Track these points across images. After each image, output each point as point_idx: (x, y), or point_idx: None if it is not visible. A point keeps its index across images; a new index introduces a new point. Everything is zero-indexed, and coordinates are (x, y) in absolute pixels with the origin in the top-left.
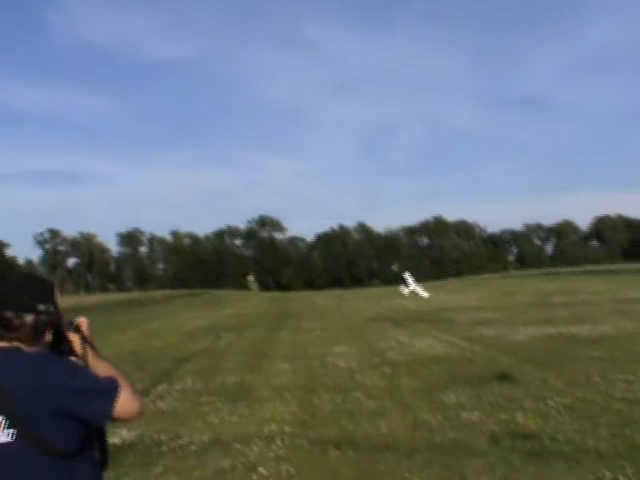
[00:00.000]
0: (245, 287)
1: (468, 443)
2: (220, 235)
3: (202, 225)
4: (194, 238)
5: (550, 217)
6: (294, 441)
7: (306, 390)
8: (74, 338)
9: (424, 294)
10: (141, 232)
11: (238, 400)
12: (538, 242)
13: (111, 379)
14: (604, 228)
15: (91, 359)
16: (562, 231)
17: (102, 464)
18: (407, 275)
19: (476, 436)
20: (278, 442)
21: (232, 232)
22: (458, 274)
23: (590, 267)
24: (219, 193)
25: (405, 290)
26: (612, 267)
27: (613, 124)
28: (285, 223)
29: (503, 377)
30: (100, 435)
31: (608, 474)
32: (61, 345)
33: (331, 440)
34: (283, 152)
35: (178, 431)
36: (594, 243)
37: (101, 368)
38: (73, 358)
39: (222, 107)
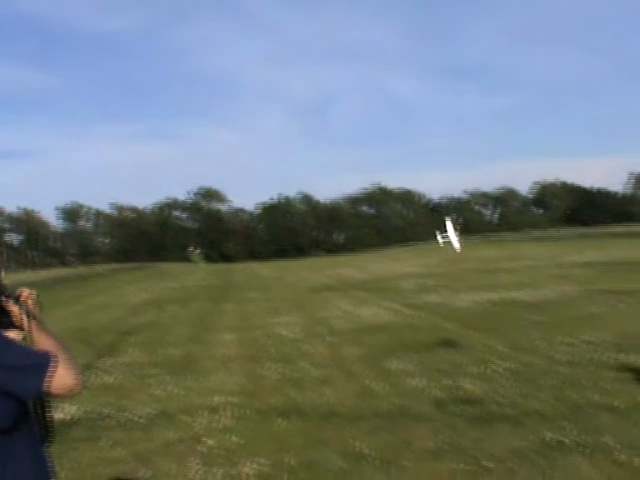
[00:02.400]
0: (189, 259)
1: (413, 409)
2: (162, 208)
3: (144, 198)
4: (137, 211)
5: (492, 184)
6: (240, 411)
7: (251, 360)
8: (15, 310)
9: (457, 246)
10: (82, 206)
11: (184, 372)
12: (480, 209)
13: (46, 353)
14: (546, 194)
15: (35, 333)
16: (504, 198)
17: (43, 439)
18: (449, 224)
19: (421, 402)
20: (224, 413)
21: (174, 204)
22: (401, 242)
23: (532, 233)
24: (160, 166)
25: (440, 239)
26: (554, 233)
27: (553, 91)
28: (228, 194)
29: (447, 343)
30: (42, 410)
31: (551, 435)
32: (0, 317)
33: (277, 409)
34: (224, 123)
35: (124, 404)
36: (536, 209)
37: (45, 342)
38: (15, 331)
39: (161, 80)
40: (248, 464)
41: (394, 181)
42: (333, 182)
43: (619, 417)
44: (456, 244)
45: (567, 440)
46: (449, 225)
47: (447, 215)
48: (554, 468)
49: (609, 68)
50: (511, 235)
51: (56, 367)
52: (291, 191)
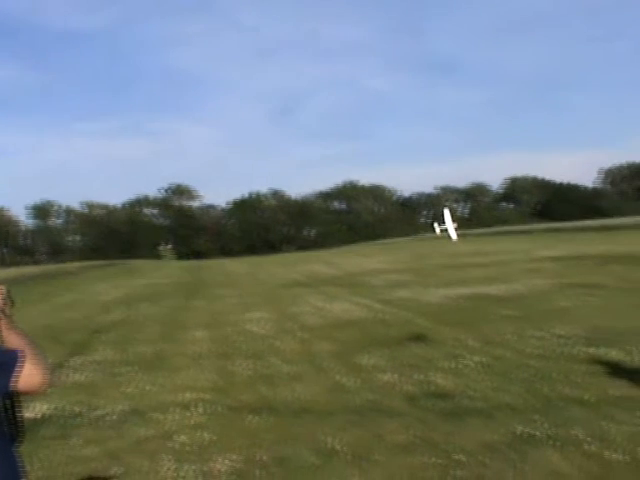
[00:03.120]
0: (160, 256)
1: (384, 404)
2: (133, 205)
3: (115, 195)
4: (107, 209)
5: (463, 179)
6: (212, 408)
7: (223, 357)
8: None
9: (454, 237)
10: (52, 204)
11: (155, 369)
12: (452, 204)
13: (14, 352)
14: (516, 189)
15: (4, 330)
16: (474, 193)
17: (14, 439)
18: (447, 214)
19: (392, 397)
20: (196, 409)
21: (145, 201)
22: (373, 238)
23: (503, 228)
24: (131, 162)
25: (438, 230)
26: (525, 227)
27: (524, 86)
28: (199, 191)
29: (418, 338)
30: (12, 409)
31: (522, 428)
32: None
33: (249, 406)
34: (195, 120)
35: (95, 402)
36: (506, 204)
37: (14, 339)
38: None
39: (133, 76)
40: (220, 460)
41: (365, 177)
42: (305, 178)
43: (590, 410)
44: (453, 235)
45: (538, 433)
46: (447, 216)
47: (447, 208)
48: (525, 461)
49: (581, 63)
50: (482, 230)
51: (23, 365)
52: (263, 187)
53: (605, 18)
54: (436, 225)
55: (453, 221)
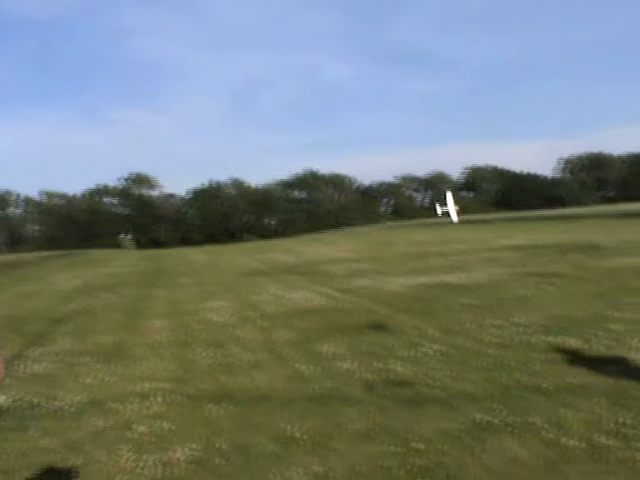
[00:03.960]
0: (120, 246)
1: (344, 392)
2: (93, 194)
3: (74, 184)
4: (66, 198)
5: (424, 169)
6: (171, 397)
7: (182, 346)
8: None
9: (455, 218)
10: (11, 194)
11: (114, 359)
12: (412, 193)
13: None
14: (476, 178)
15: None
16: (434, 182)
17: None
18: (449, 196)
19: (351, 385)
20: (155, 399)
21: (105, 191)
22: (333, 227)
23: (463, 217)
24: (90, 151)
25: (439, 211)
26: (484, 217)
27: (485, 77)
28: (159, 180)
29: (378, 326)
30: None
31: (481, 416)
32: None
33: (209, 395)
34: (155, 109)
35: (54, 393)
36: (467, 193)
37: None
38: None
39: (93, 65)
40: (180, 449)
41: (326, 166)
42: (265, 167)
43: (548, 398)
44: (454, 217)
45: (496, 421)
46: (449, 197)
47: (449, 190)
48: (483, 448)
49: (541, 54)
50: (442, 219)
51: None
52: (223, 176)
53: (565, 8)
54: (437, 206)
55: (455, 204)
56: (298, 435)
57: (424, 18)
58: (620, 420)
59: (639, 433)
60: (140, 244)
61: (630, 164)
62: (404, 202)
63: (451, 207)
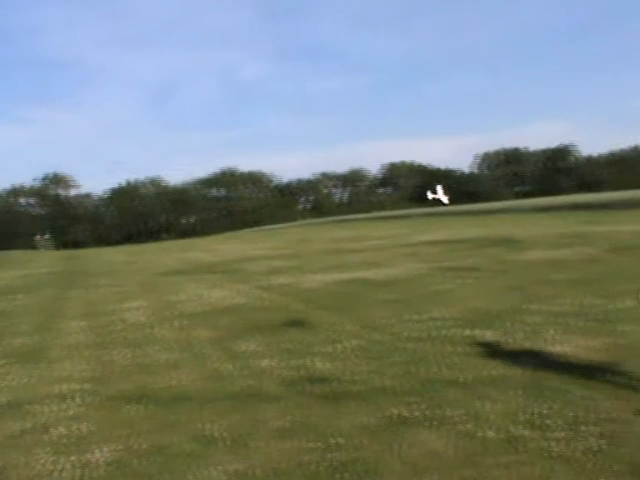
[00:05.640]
0: (36, 247)
1: (263, 389)
2: (9, 194)
3: None
4: None
5: (343, 166)
6: (90, 399)
7: (101, 347)
8: None
9: (445, 200)
10: None
11: (32, 361)
12: (330, 190)
13: None
14: (395, 174)
15: None
16: (354, 179)
17: None
18: (439, 186)
19: (270, 382)
20: (74, 401)
21: (21, 191)
22: (252, 224)
23: (381, 213)
24: (5, 151)
25: (430, 196)
26: (402, 212)
27: (400, 73)
28: (76, 179)
29: (297, 323)
30: None
31: (399, 410)
32: None
33: (127, 395)
34: (72, 108)
35: None
36: (385, 189)
37: None
38: None
39: (5, 63)
40: (98, 451)
41: (246, 164)
42: (183, 166)
43: (465, 391)
44: (445, 199)
45: (414, 414)
46: (439, 188)
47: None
48: (402, 442)
49: (457, 51)
50: (360, 215)
51: None
52: (143, 175)
53: (483, 2)
54: (429, 192)
55: (445, 193)
56: (217, 434)
57: (340, 16)
58: (536, 411)
59: (555, 423)
60: (57, 245)
61: (545, 159)
62: (323, 199)
63: (441, 194)
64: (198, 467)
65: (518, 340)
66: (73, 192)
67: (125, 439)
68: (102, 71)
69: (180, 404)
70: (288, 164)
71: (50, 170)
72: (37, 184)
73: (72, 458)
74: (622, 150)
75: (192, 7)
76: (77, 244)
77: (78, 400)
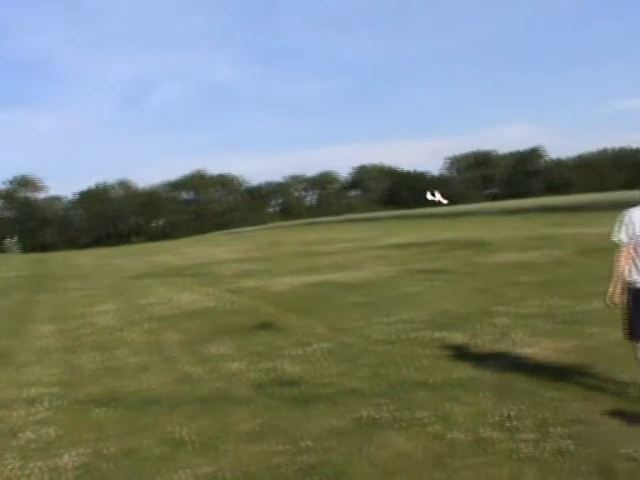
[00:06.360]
0: (4, 250)
1: (232, 393)
2: None
3: None
4: None
5: (312, 168)
6: (58, 402)
7: (69, 351)
8: None
9: (445, 201)
10: None
11: None
12: (300, 193)
13: None
14: (364, 177)
15: None
16: (323, 181)
17: None
18: (437, 192)
19: (240, 385)
20: (42, 405)
21: None
22: (222, 227)
23: (351, 216)
24: None
25: (430, 197)
26: (372, 215)
27: (371, 76)
28: (46, 182)
29: (266, 326)
30: None
31: (368, 412)
32: None
33: (96, 399)
34: (42, 110)
35: None
36: (354, 192)
37: None
38: None
39: None
40: (67, 455)
41: (216, 167)
42: (154, 168)
43: (434, 392)
44: (444, 201)
45: (383, 416)
46: (437, 192)
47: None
48: (371, 444)
49: (428, 54)
50: (330, 218)
51: None
52: (112, 177)
53: (453, 6)
54: (428, 193)
55: (442, 197)
56: (187, 437)
57: (312, 20)
58: (505, 413)
59: (523, 425)
60: (26, 248)
61: (514, 162)
62: (292, 202)
63: (439, 197)
64: (167, 470)
65: (487, 342)
66: (42, 195)
67: (94, 443)
68: (73, 72)
69: (149, 407)
70: (259, 167)
71: (18, 173)
72: (5, 187)
73: (40, 463)
74: (590, 153)
75: (164, 9)
76: (46, 247)
77: (47, 404)
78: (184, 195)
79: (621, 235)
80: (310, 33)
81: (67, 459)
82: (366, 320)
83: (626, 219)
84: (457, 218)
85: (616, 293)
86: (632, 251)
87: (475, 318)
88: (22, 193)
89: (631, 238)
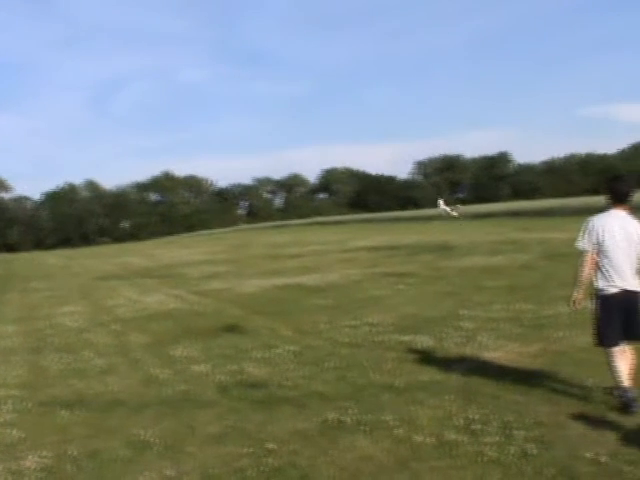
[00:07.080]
0: None
1: (197, 395)
2: None
3: None
4: None
5: (279, 171)
6: (22, 404)
7: (34, 352)
8: None
9: (454, 214)
10: None
11: None
12: (268, 196)
13: None
14: (332, 180)
15: None
16: (291, 184)
17: None
18: (441, 201)
19: (205, 387)
20: (5, 407)
21: None
22: (189, 229)
23: (319, 219)
24: None
25: (442, 205)
26: (340, 218)
27: (340, 79)
28: (11, 182)
29: (232, 328)
30: None
31: (333, 415)
32: None
33: (60, 401)
34: (7, 110)
35: None
36: (322, 195)
37: None
38: None
39: None
40: (30, 457)
41: (184, 168)
42: (122, 169)
43: (399, 395)
44: (453, 213)
45: (348, 419)
46: (441, 202)
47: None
48: (336, 447)
49: (396, 57)
50: (298, 221)
51: None
52: (80, 178)
53: (423, 9)
54: (440, 202)
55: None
56: (152, 439)
57: (280, 21)
58: (470, 416)
59: (487, 428)
60: None
61: (482, 167)
62: (260, 204)
63: (446, 207)
64: (132, 473)
65: (453, 346)
66: (7, 195)
67: (58, 445)
68: (39, 73)
69: (115, 409)
70: (227, 168)
71: None
72: None
73: (2, 465)
74: (557, 159)
75: (131, 10)
76: (11, 247)
77: (10, 406)
78: (152, 196)
79: (584, 242)
80: (279, 35)
81: (30, 461)
82: (333, 323)
83: (590, 226)
84: (425, 222)
85: (579, 298)
86: (596, 257)
87: (441, 322)
88: None
89: (595, 245)
